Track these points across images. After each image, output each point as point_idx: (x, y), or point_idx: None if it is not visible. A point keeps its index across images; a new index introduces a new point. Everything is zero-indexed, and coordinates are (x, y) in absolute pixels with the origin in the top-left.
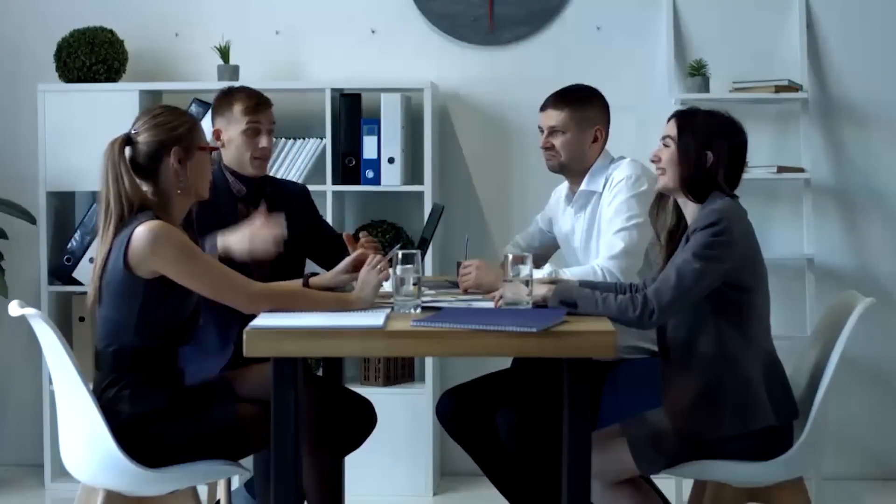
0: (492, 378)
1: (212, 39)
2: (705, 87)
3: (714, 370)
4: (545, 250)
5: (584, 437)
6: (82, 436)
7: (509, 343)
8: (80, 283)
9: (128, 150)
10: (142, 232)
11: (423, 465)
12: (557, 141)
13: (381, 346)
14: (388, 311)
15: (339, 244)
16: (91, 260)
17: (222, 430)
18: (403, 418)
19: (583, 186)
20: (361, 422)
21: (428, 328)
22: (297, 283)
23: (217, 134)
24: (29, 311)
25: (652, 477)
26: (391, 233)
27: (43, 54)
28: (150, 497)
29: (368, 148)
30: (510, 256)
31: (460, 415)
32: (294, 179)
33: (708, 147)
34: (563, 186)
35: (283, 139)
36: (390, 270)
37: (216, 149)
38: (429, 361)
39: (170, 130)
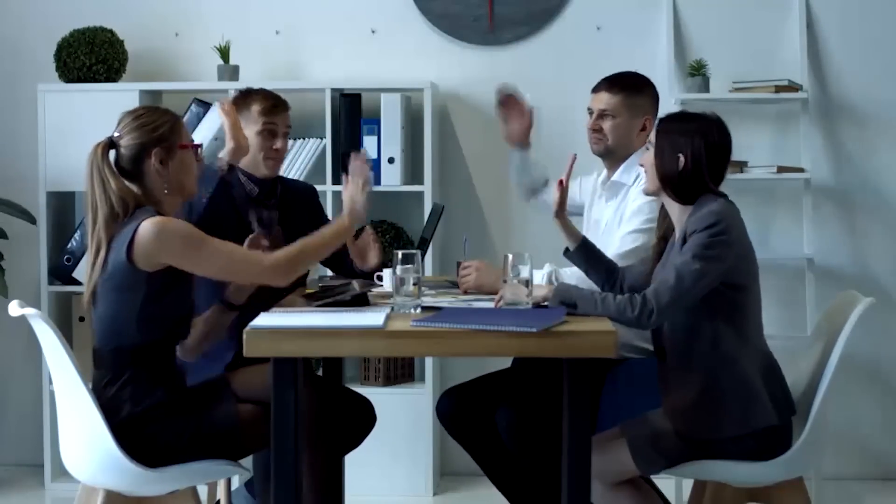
0: (492, 378)
1: (212, 39)
2: (705, 87)
3: (712, 370)
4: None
5: (584, 437)
6: (82, 436)
7: (509, 343)
8: (80, 283)
9: (112, 154)
10: (147, 227)
11: (423, 465)
12: (607, 125)
13: (380, 346)
14: (388, 311)
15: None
16: None
17: (222, 430)
18: (403, 418)
19: (615, 177)
20: (361, 420)
21: (428, 328)
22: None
23: None
24: (29, 311)
25: (652, 477)
26: (391, 233)
27: (43, 54)
28: (150, 497)
29: (368, 148)
30: (510, 256)
31: (460, 414)
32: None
33: (679, 150)
34: (601, 173)
35: None
36: (370, 173)
37: (199, 146)
38: (429, 361)
39: (150, 132)
